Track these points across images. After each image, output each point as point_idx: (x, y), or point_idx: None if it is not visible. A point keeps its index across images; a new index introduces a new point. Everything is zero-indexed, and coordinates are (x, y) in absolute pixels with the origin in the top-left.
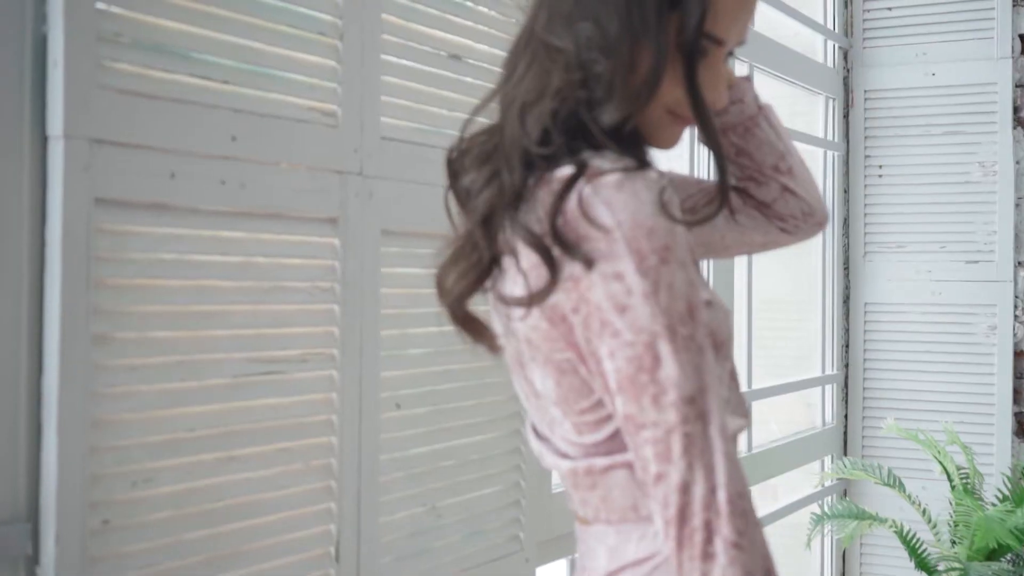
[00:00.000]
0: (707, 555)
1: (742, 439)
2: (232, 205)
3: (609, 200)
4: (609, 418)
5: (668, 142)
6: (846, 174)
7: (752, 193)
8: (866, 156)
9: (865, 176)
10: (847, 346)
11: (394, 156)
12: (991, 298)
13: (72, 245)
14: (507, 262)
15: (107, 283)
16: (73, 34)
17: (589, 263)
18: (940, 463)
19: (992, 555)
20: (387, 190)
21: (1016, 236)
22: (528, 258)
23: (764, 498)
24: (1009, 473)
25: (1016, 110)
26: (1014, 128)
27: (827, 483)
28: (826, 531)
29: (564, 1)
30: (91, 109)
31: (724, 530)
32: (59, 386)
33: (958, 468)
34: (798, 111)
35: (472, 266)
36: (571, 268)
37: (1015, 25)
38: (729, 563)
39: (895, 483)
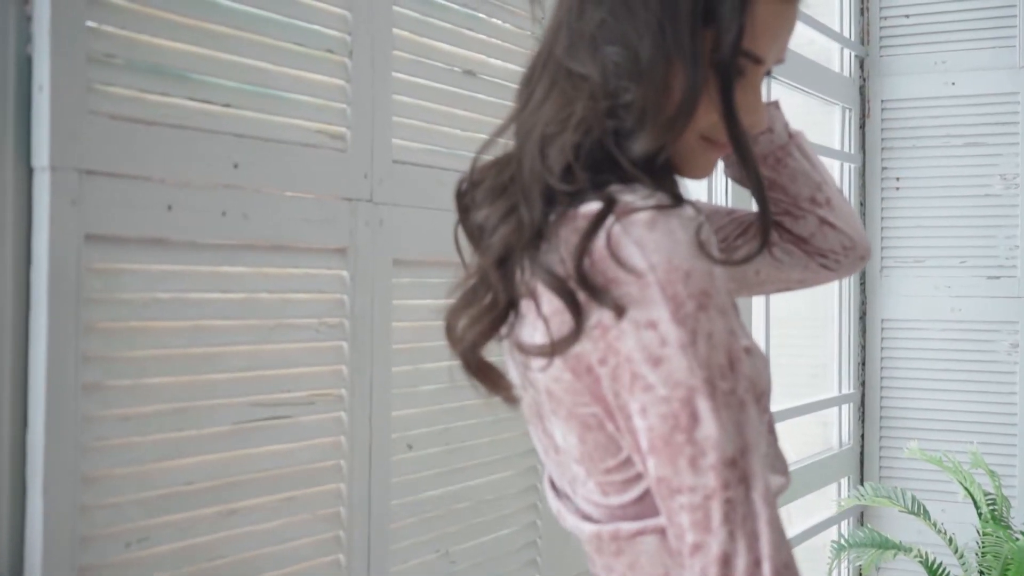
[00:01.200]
0: None
1: None
2: (234, 238)
3: (641, 240)
4: (638, 478)
5: (702, 171)
6: (862, 187)
7: (788, 227)
8: (883, 168)
9: (882, 189)
10: (863, 364)
11: (406, 180)
12: (1013, 315)
13: (60, 286)
14: (525, 306)
15: (98, 326)
16: (60, 55)
17: (619, 310)
18: (966, 489)
19: None
20: (398, 217)
21: None
22: (550, 303)
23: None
24: None
25: None
26: None
27: (852, 504)
28: (845, 559)
29: (587, 21)
30: (80, 137)
31: None
32: (45, 440)
33: (985, 494)
34: (813, 121)
35: (486, 310)
36: (599, 315)
37: None
38: None
39: (920, 511)
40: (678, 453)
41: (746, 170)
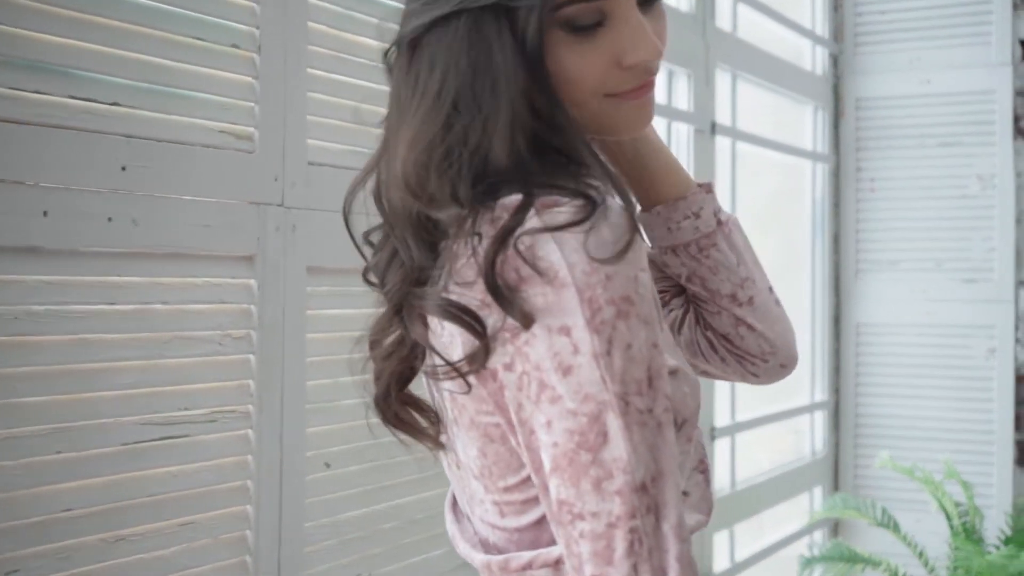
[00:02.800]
0: None
1: (721, 478)
2: (122, 245)
3: (560, 236)
4: (538, 500)
5: (630, 125)
6: (836, 188)
7: (708, 321)
8: (858, 168)
9: (857, 190)
10: (838, 370)
11: (322, 183)
12: (990, 319)
13: None
14: (432, 335)
15: None
16: None
17: (527, 317)
18: (938, 501)
19: None
20: (314, 222)
21: (1017, 253)
22: (451, 327)
23: (750, 532)
24: (1011, 510)
25: (1016, 119)
26: (1014, 139)
27: (822, 517)
28: (812, 572)
29: (423, 47)
30: None
31: None
32: None
33: (956, 505)
34: (784, 120)
35: (395, 348)
36: (510, 316)
37: (1015, 29)
38: None
39: (890, 524)
40: (582, 474)
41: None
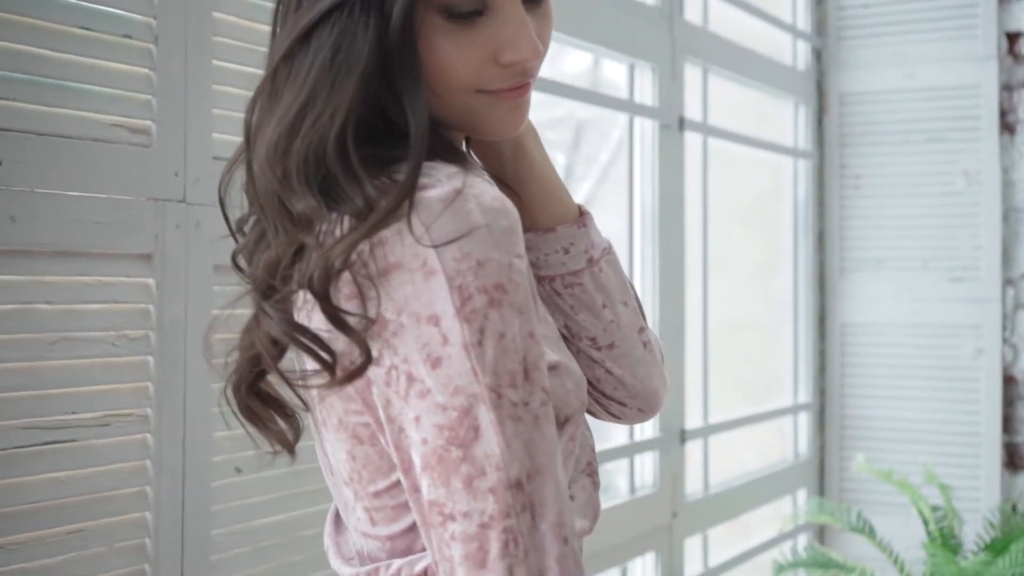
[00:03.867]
0: None
1: (694, 482)
2: None
3: (430, 222)
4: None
5: (502, 127)
6: (820, 185)
7: None
8: (841, 165)
9: (841, 187)
10: (823, 371)
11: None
12: (977, 318)
13: None
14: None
15: None
16: None
17: (397, 305)
18: (915, 505)
19: None
20: (221, 219)
21: (1003, 251)
22: (320, 319)
23: (735, 534)
24: (991, 516)
25: (1002, 114)
26: (1000, 134)
27: (799, 522)
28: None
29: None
30: None
31: None
32: None
33: (934, 509)
34: (765, 117)
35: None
36: (377, 307)
37: (1001, 22)
38: None
39: (865, 528)
40: (452, 472)
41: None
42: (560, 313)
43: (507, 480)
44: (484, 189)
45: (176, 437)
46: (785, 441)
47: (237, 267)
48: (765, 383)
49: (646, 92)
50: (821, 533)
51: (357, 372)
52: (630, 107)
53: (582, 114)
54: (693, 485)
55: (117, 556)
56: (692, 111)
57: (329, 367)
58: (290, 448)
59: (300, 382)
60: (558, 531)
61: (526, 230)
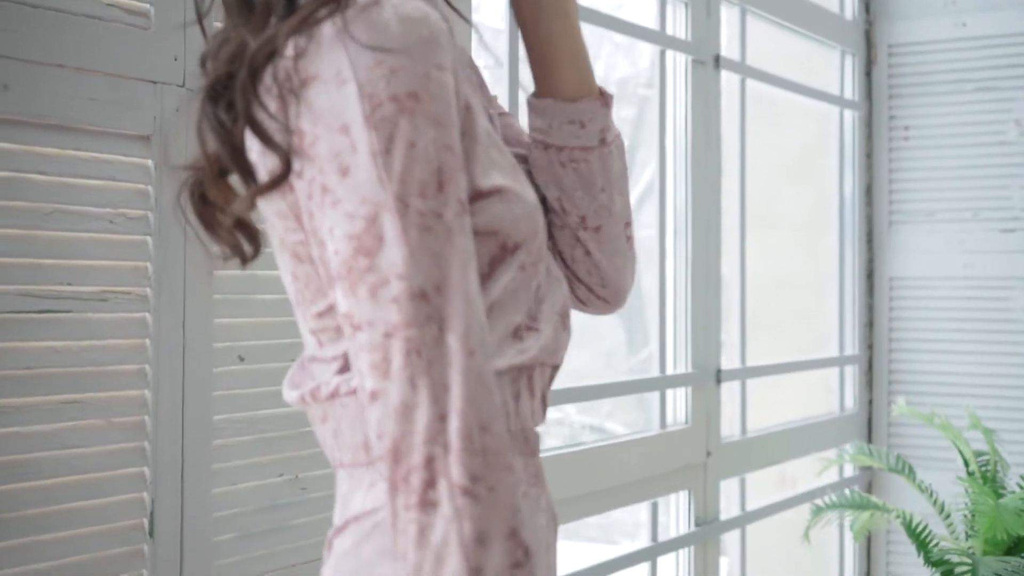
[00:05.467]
0: (426, 503)
1: (732, 424)
2: None
3: (348, 30)
4: None
5: None
6: (868, 137)
7: (550, 231)
8: (890, 117)
9: (890, 139)
10: (871, 325)
11: None
12: None
13: None
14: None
15: None
16: None
17: (314, 116)
18: (957, 447)
19: (1012, 550)
20: None
21: None
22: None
23: (781, 489)
24: None
25: None
26: None
27: (847, 474)
28: (844, 524)
29: None
30: None
31: (453, 472)
32: None
33: (977, 455)
34: (810, 68)
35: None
36: (296, 119)
37: None
38: (455, 516)
39: (904, 469)
40: (359, 281)
41: None
42: (556, 186)
43: (410, 290)
44: (406, 1)
45: (176, 320)
46: (831, 396)
47: (204, 70)
48: (813, 339)
49: (678, 26)
50: (868, 488)
51: (276, 180)
52: (661, 39)
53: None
54: (730, 428)
55: (116, 431)
56: (730, 52)
57: (250, 175)
58: (243, 257)
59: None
60: (464, 344)
61: (546, 94)
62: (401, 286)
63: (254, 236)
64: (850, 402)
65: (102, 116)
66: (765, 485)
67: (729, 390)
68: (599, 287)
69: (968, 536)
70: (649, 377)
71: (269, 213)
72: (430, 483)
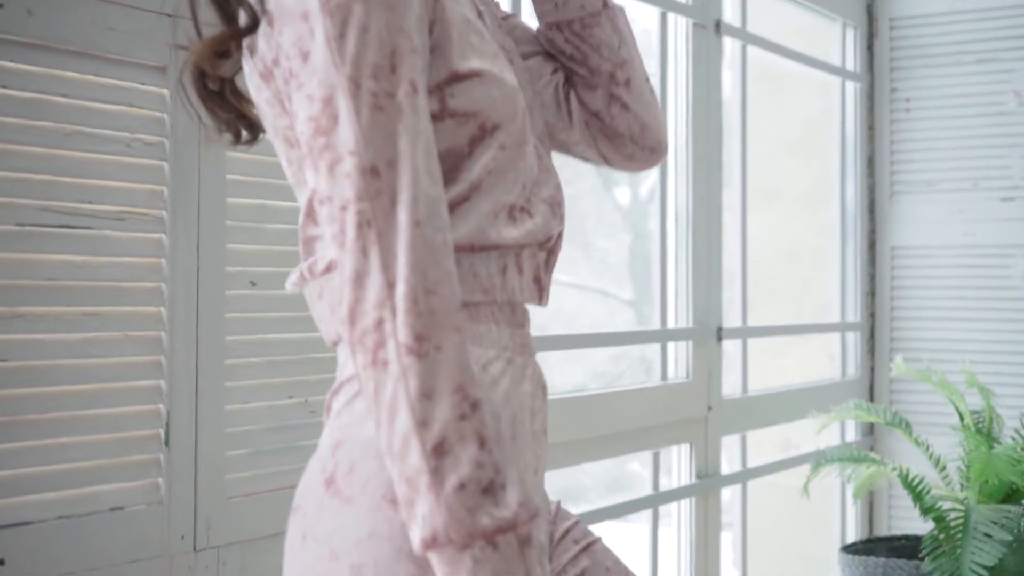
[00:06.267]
0: (378, 362)
1: (733, 382)
2: (15, 33)
3: None
4: None
5: None
6: (870, 109)
7: (582, 99)
8: (892, 89)
9: (891, 111)
10: (872, 293)
11: None
12: None
13: None
14: None
15: None
16: None
17: (281, 5)
18: (953, 403)
19: (1006, 501)
20: None
21: None
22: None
23: (782, 452)
24: None
25: None
26: None
27: (849, 438)
28: (847, 490)
29: None
30: None
31: (400, 333)
32: None
33: (973, 413)
34: (814, 41)
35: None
36: (270, 5)
37: None
38: (402, 373)
39: (901, 424)
40: (319, 159)
41: None
42: (579, 57)
43: (361, 166)
44: None
45: (190, 242)
46: (834, 364)
47: None
48: (816, 308)
49: None
50: (870, 450)
51: (246, 30)
52: (662, 2)
53: None
54: (732, 389)
55: (133, 344)
56: (732, 20)
57: (230, 20)
58: (237, 135)
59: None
60: (411, 215)
61: None
62: (353, 162)
63: (252, 124)
64: (852, 369)
65: (120, 45)
66: (768, 450)
67: (731, 353)
68: (641, 137)
69: (963, 488)
70: (650, 330)
71: (261, 102)
72: (380, 344)
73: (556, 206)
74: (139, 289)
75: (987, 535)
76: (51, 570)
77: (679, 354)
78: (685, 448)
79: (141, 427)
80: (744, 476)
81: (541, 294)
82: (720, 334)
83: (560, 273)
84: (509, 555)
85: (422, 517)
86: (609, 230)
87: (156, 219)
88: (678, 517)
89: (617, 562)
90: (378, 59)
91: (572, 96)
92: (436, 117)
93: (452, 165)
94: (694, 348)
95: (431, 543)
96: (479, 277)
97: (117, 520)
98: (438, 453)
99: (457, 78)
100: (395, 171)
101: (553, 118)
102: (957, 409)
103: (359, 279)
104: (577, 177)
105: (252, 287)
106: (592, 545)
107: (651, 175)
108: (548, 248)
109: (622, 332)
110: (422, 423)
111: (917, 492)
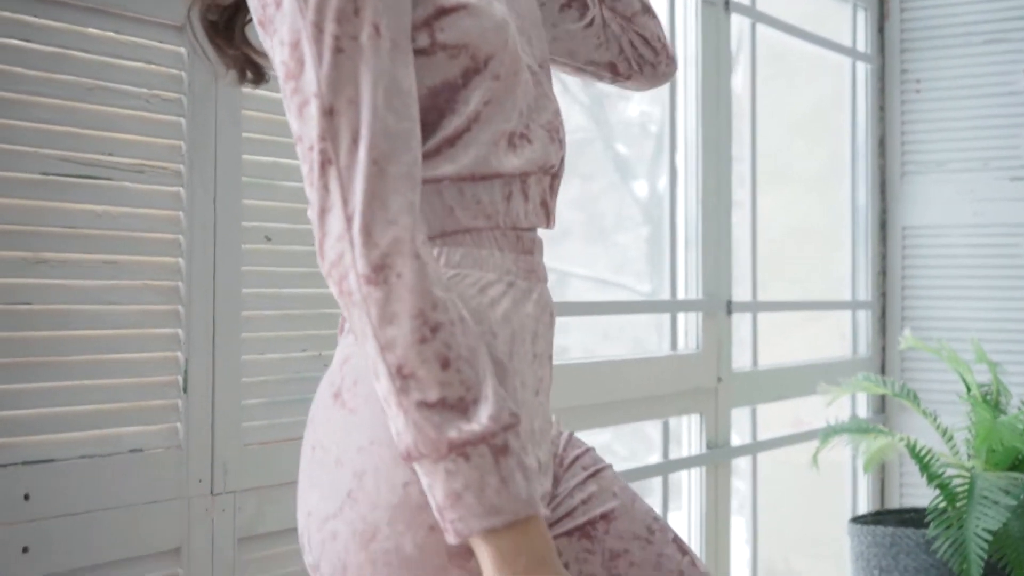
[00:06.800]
0: (344, 293)
1: (743, 355)
2: None
3: None
4: None
5: None
6: (881, 90)
7: (607, 39)
8: (903, 70)
9: (902, 91)
10: (884, 273)
11: None
12: None
13: None
14: None
15: None
16: None
17: None
18: (960, 375)
19: (1013, 469)
20: None
21: None
22: None
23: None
24: None
25: None
26: None
27: (860, 414)
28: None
29: None
30: None
31: (359, 264)
32: None
33: (981, 385)
34: (823, 22)
35: None
36: None
37: None
38: (363, 301)
39: (909, 395)
40: (290, 102)
41: None
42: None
43: (323, 107)
44: None
45: (207, 196)
46: (845, 343)
47: None
48: (827, 288)
49: None
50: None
51: None
52: None
53: None
54: (742, 362)
55: (151, 292)
56: None
57: None
58: (242, 73)
59: None
60: (369, 153)
61: None
62: (316, 103)
63: (258, 69)
64: (863, 347)
65: (140, 4)
66: (779, 427)
67: (742, 329)
68: (663, 51)
69: (970, 458)
70: (660, 299)
71: (267, 48)
72: (344, 276)
73: (554, 132)
74: (158, 240)
75: (993, 501)
76: (72, 506)
77: (688, 325)
78: (695, 419)
79: (159, 373)
80: (754, 448)
81: (548, 218)
82: (730, 307)
83: (578, 267)
84: (482, 465)
85: (397, 434)
86: (628, 223)
87: (174, 173)
88: (688, 489)
89: (624, 488)
90: (340, 4)
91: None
92: (427, 52)
93: (449, 98)
94: (704, 320)
95: (407, 457)
96: (482, 204)
97: (137, 461)
98: (402, 375)
99: (444, 12)
100: (356, 110)
101: (575, 23)
102: (965, 381)
103: (323, 215)
104: (595, 173)
105: (267, 242)
106: (601, 471)
107: (663, 157)
108: (552, 173)
109: (632, 301)
110: (385, 347)
111: (924, 462)
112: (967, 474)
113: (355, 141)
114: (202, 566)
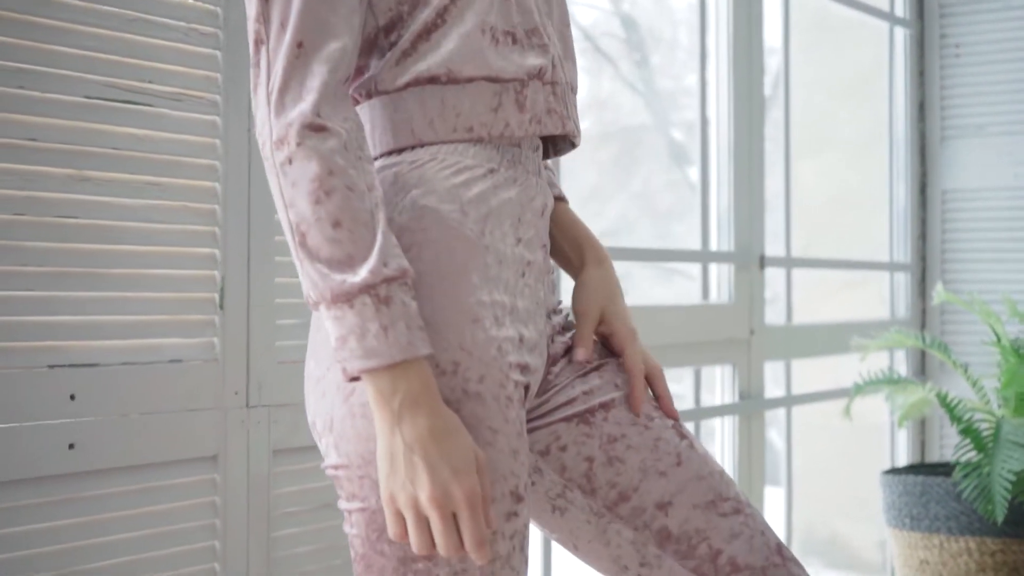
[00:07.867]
0: (265, 159)
1: (777, 310)
2: None
3: None
4: None
5: None
6: (920, 55)
7: None
8: (942, 35)
9: (941, 56)
10: (923, 237)
11: None
12: None
13: None
14: None
15: None
16: None
17: None
18: (991, 327)
19: None
20: None
21: None
22: None
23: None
24: None
25: None
26: None
27: (901, 370)
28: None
29: None
30: None
31: (274, 132)
32: None
33: (1013, 340)
34: None
35: None
36: None
37: None
38: (274, 166)
39: (940, 347)
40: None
41: None
42: None
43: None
44: None
45: (242, 125)
46: (883, 306)
47: None
48: (867, 252)
49: None
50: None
51: None
52: None
53: None
54: (774, 315)
55: (189, 213)
56: None
57: None
58: None
59: None
60: (295, 37)
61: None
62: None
63: None
64: (902, 309)
65: None
66: (813, 385)
67: (776, 284)
68: None
69: (1000, 407)
70: (691, 249)
71: None
72: (264, 143)
73: (535, 36)
74: (196, 164)
75: (1018, 444)
76: (115, 408)
77: (721, 277)
78: (728, 369)
79: (197, 289)
80: (788, 401)
81: (564, 123)
82: (763, 261)
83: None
84: (363, 312)
85: (301, 283)
86: (682, 209)
87: (210, 103)
88: (720, 439)
89: (627, 381)
90: None
91: None
92: None
93: None
94: (736, 272)
95: (309, 303)
96: (462, 116)
97: (176, 371)
98: (299, 231)
99: None
100: (284, 2)
101: None
102: (995, 331)
103: (255, 89)
104: (647, 157)
105: None
106: (604, 365)
107: (693, 102)
108: (550, 81)
109: (663, 250)
110: (288, 206)
111: (954, 412)
112: (992, 417)
113: (283, 25)
114: (238, 474)
